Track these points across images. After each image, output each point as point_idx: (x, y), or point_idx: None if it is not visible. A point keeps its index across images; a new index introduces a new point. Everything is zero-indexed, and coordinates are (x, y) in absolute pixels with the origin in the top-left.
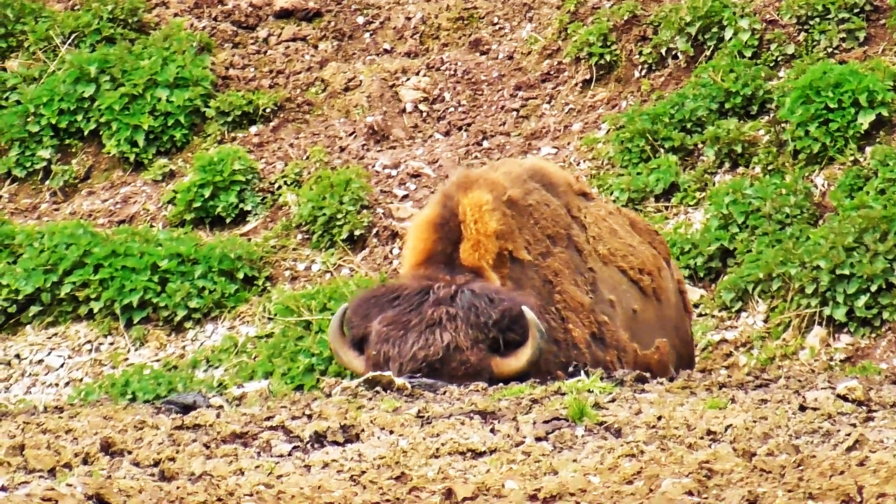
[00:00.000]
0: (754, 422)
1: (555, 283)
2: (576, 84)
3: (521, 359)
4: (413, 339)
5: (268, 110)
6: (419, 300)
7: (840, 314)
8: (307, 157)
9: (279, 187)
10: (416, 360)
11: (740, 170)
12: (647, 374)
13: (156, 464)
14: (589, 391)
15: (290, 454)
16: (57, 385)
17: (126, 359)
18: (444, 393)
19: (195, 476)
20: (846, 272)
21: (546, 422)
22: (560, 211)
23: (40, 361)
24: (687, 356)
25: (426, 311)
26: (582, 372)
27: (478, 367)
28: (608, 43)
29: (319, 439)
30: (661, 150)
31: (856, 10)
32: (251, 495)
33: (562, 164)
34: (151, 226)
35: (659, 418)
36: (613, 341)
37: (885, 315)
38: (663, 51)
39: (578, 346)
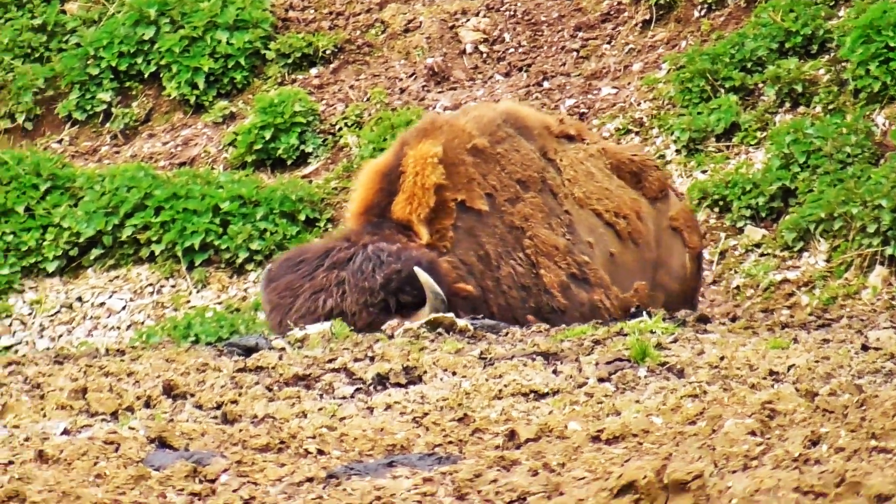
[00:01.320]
0: (816, 362)
1: (525, 228)
2: (636, 24)
3: (420, 319)
4: (298, 306)
5: (328, 52)
6: (317, 264)
7: None
8: (367, 99)
9: (340, 129)
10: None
11: (801, 109)
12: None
13: (218, 406)
14: (651, 332)
15: (352, 396)
16: (118, 328)
17: (188, 301)
18: (507, 334)
19: (258, 418)
20: None
21: (608, 363)
22: (532, 155)
23: (102, 304)
24: (681, 294)
25: (318, 276)
26: (644, 313)
27: (370, 331)
28: None
29: (382, 381)
30: (722, 90)
31: None
32: (314, 438)
33: (621, 105)
34: (212, 168)
35: (721, 358)
36: (597, 280)
37: None
38: None
39: (550, 290)
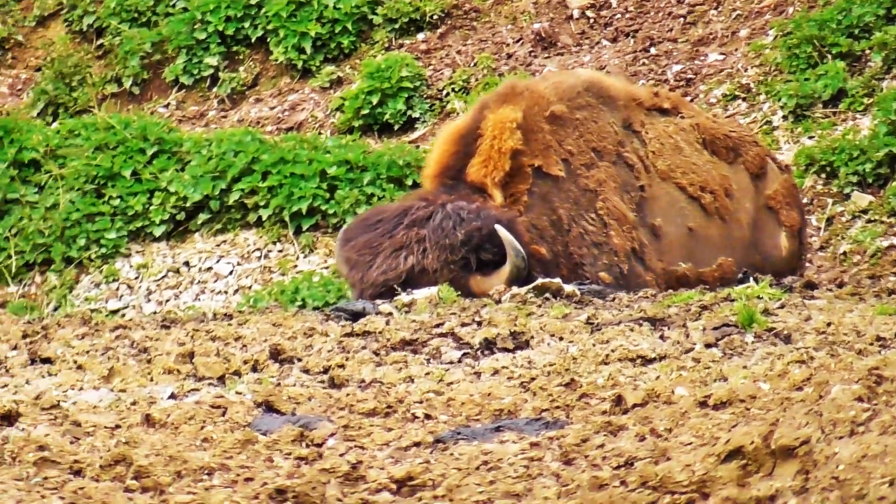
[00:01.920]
0: None
1: (598, 192)
2: None
3: (500, 277)
4: (378, 264)
5: (435, 17)
6: (396, 223)
7: None
8: (474, 64)
9: (447, 94)
10: (375, 286)
11: None
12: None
13: (325, 371)
14: (758, 297)
15: (459, 361)
16: (226, 292)
17: (295, 266)
18: (614, 300)
19: (365, 383)
20: None
21: (715, 328)
22: (610, 128)
23: (209, 269)
24: (780, 272)
25: (398, 233)
26: (751, 279)
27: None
28: None
29: (489, 346)
30: (829, 56)
31: None
32: (421, 402)
33: (728, 71)
34: (319, 133)
35: (828, 324)
36: (652, 265)
37: None
38: None
39: (618, 253)
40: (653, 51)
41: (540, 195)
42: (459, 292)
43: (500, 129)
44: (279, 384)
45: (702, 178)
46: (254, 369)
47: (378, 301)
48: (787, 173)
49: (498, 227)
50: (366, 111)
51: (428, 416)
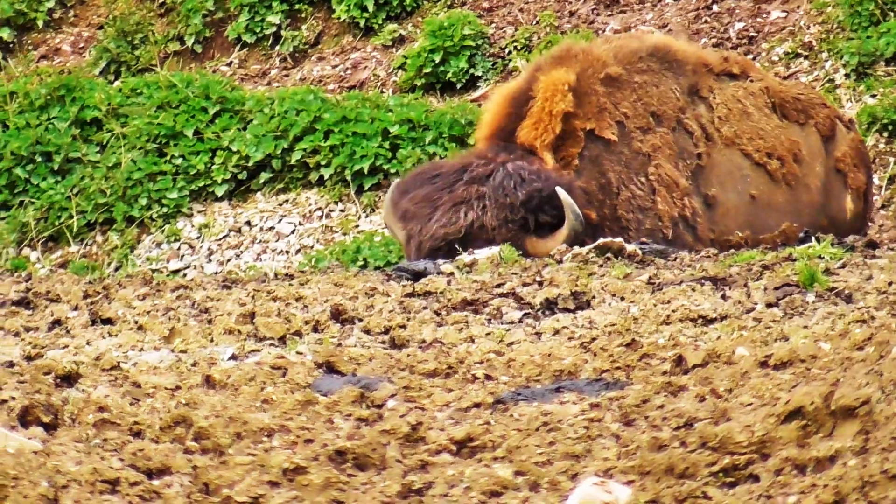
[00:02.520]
0: None
1: (651, 157)
2: None
3: (557, 240)
4: (437, 217)
5: None
6: (454, 178)
7: None
8: (537, 22)
9: (509, 52)
10: (435, 238)
11: None
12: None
13: (386, 331)
14: (819, 257)
15: (520, 321)
16: (287, 252)
17: (357, 226)
18: (675, 259)
19: (426, 343)
20: None
21: (777, 288)
22: (672, 94)
23: (271, 228)
24: (845, 234)
25: (458, 189)
26: (812, 238)
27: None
28: None
29: (550, 306)
30: (891, 14)
31: None
32: (481, 363)
33: (791, 28)
34: (381, 91)
35: (889, 284)
36: (703, 234)
37: None
38: None
39: (662, 218)
40: (715, 8)
41: (591, 158)
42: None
43: (552, 91)
44: (340, 345)
45: (769, 144)
46: (315, 330)
47: (440, 261)
48: (854, 132)
49: (559, 189)
50: (428, 69)
51: (488, 377)
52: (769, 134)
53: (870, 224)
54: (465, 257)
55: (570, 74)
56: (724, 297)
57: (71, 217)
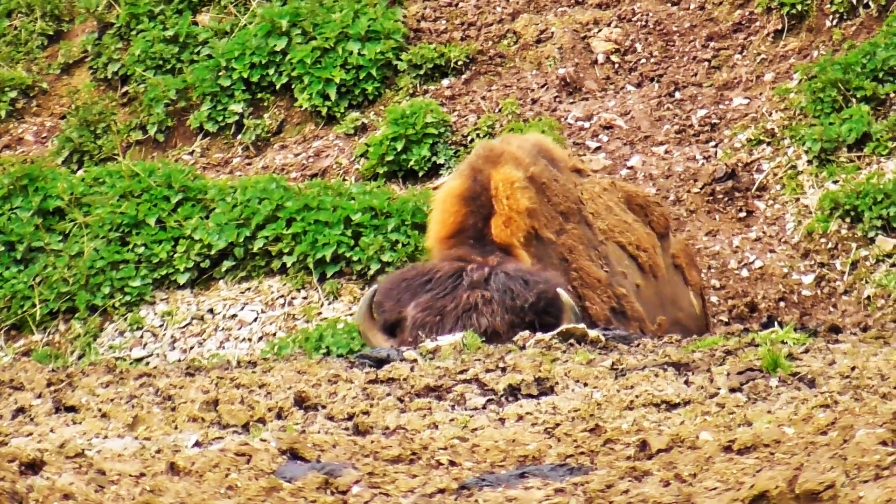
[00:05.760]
0: None
1: (570, 261)
2: (767, 34)
3: None
4: (450, 325)
5: (459, 63)
6: (453, 284)
7: None
8: (499, 110)
9: (472, 140)
10: None
11: None
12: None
13: (350, 418)
14: (783, 342)
15: (484, 407)
16: (250, 339)
17: (319, 313)
18: (638, 345)
19: (389, 430)
20: None
21: (740, 373)
22: (569, 186)
23: (233, 316)
24: (697, 331)
25: (461, 295)
26: (776, 323)
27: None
28: None
29: (513, 392)
30: (853, 100)
31: None
32: (445, 449)
33: (753, 115)
34: (344, 179)
35: (853, 368)
36: (634, 313)
37: None
38: (854, 0)
39: (596, 323)
40: (677, 95)
41: (539, 258)
42: None
43: (510, 188)
44: (304, 431)
45: (636, 237)
46: (278, 416)
47: (402, 347)
48: (677, 235)
49: (560, 290)
50: (390, 157)
51: (452, 463)
52: (632, 227)
53: (832, 309)
54: (428, 344)
55: (518, 171)
56: (687, 382)
57: (34, 305)
